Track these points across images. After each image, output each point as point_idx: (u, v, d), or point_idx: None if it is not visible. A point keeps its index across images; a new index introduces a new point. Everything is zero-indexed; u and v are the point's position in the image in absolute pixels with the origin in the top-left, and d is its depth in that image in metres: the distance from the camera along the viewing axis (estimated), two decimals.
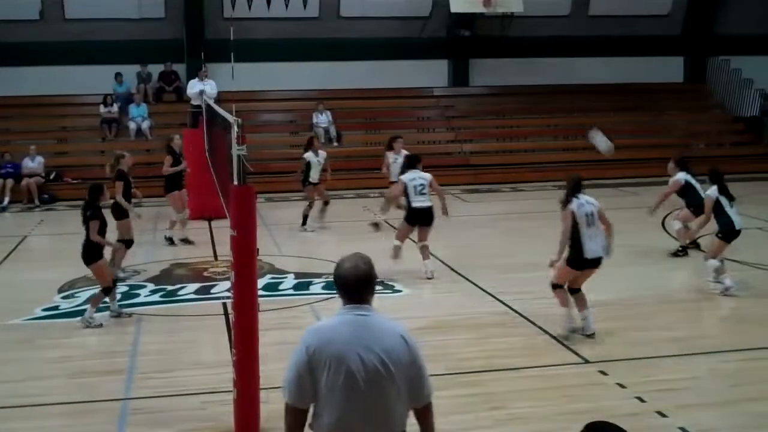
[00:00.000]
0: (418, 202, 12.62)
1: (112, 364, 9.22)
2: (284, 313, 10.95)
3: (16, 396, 8.42)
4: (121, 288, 12.51)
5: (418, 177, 12.69)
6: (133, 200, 13.54)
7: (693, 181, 13.65)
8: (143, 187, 21.80)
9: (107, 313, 10.94)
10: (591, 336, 9.70)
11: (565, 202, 9.53)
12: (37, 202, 21.77)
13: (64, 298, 12.15)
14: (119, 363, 9.19)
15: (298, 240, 16.42)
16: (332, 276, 4.44)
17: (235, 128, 7.50)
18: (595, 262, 9.55)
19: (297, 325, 10.48)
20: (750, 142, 27.32)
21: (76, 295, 12.25)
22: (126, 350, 9.64)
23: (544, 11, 26.96)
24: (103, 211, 11.06)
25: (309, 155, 17.03)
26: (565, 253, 9.55)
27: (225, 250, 9.99)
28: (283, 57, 25.88)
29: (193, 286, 12.48)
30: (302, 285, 12.58)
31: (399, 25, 26.75)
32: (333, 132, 25.04)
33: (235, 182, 7.30)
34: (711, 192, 11.81)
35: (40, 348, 9.97)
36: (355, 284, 4.34)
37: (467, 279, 12.76)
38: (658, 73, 28.37)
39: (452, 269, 13.40)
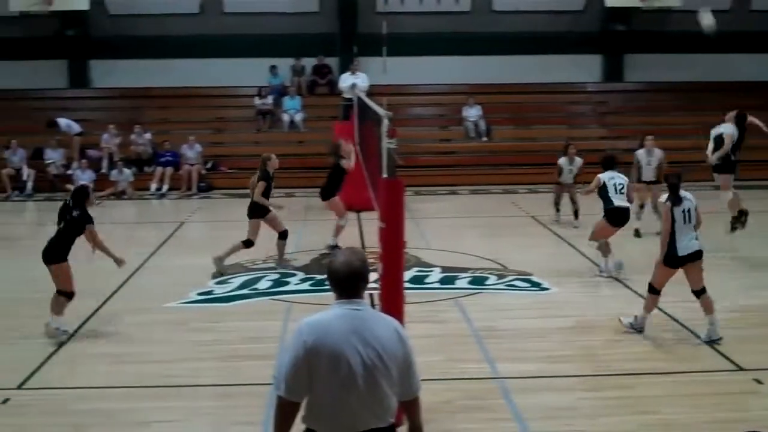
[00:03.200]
0: (619, 201, 12.47)
1: (260, 350, 9.43)
2: (429, 307, 10.94)
3: (170, 376, 8.74)
4: (272, 275, 12.83)
5: (617, 177, 12.55)
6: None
7: None
8: (294, 178, 22.53)
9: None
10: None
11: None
12: (194, 190, 22.51)
13: (217, 283, 12.53)
14: (268, 348, 9.38)
15: (445, 234, 16.41)
16: (327, 271, 4.50)
17: (386, 121, 7.55)
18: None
19: (442, 319, 10.50)
20: None
21: (230, 280, 12.62)
22: (275, 336, 9.83)
23: (703, 5, 26.01)
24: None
25: (562, 161, 16.76)
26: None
27: (373, 242, 10.08)
28: (434, 51, 25.91)
29: None
30: (448, 279, 12.57)
31: (551, 19, 26.41)
32: (482, 126, 24.93)
33: (385, 175, 7.34)
34: None
35: (193, 331, 10.32)
36: (348, 279, 4.39)
37: (616, 279, 12.47)
38: None
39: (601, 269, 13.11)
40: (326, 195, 14.60)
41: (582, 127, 26.11)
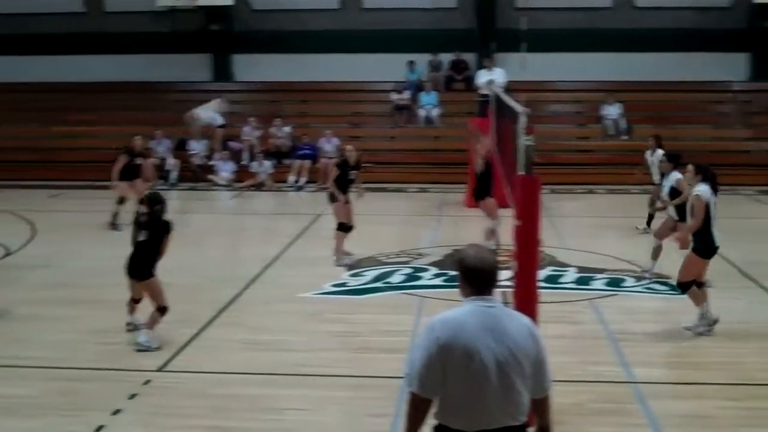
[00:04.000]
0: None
1: (392, 343, 9.50)
2: (563, 307, 10.80)
3: (304, 365, 8.90)
4: (405, 270, 12.91)
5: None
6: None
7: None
8: (429, 173, 22.61)
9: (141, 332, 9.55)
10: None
11: None
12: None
13: (352, 275, 12.69)
14: (400, 342, 9.43)
15: (582, 233, 16.15)
16: (458, 266, 4.47)
17: (523, 118, 7.48)
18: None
19: (576, 320, 10.36)
20: None
21: (363, 273, 12.76)
22: (407, 330, 9.88)
23: None
24: None
25: (647, 154, 16.00)
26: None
27: (507, 239, 10.02)
28: (574, 47, 25.48)
29: None
30: (584, 280, 12.37)
31: (696, 15, 25.63)
32: (622, 125, 24.40)
33: (521, 172, 7.28)
34: None
35: (327, 321, 10.48)
36: (483, 276, 4.37)
37: (759, 284, 12.02)
38: None
39: (742, 272, 12.67)
40: (479, 195, 14.37)
41: (726, 127, 25.21)
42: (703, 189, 9.48)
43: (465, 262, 4.43)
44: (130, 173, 16.79)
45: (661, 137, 15.97)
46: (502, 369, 4.25)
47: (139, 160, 17.12)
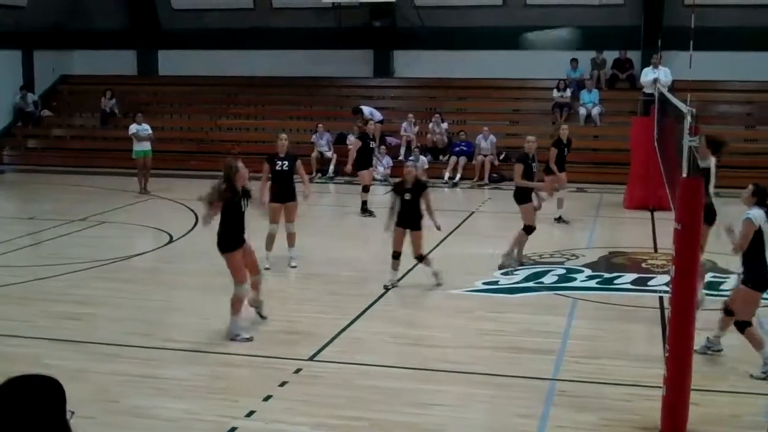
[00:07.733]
0: None
1: (542, 344, 9.38)
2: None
3: (451, 361, 8.88)
4: (558, 271, 12.69)
5: None
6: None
7: None
8: (586, 173, 22.15)
9: None
10: None
11: None
12: (486, 180, 22.69)
13: (503, 274, 12.57)
14: (549, 343, 9.32)
15: None
16: None
17: (688, 118, 7.23)
18: None
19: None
20: None
21: (516, 272, 12.62)
22: (557, 332, 9.73)
23: None
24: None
25: None
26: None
27: (666, 243, 9.70)
28: (744, 46, 24.38)
29: (629, 276, 12.29)
30: None
31: None
32: None
33: (684, 174, 7.04)
34: None
35: (476, 319, 10.42)
36: None
37: None
38: None
39: None
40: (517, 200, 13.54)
41: None
42: (756, 213, 8.53)
43: None
44: (366, 159, 17.91)
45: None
46: None
47: (372, 144, 18.35)
